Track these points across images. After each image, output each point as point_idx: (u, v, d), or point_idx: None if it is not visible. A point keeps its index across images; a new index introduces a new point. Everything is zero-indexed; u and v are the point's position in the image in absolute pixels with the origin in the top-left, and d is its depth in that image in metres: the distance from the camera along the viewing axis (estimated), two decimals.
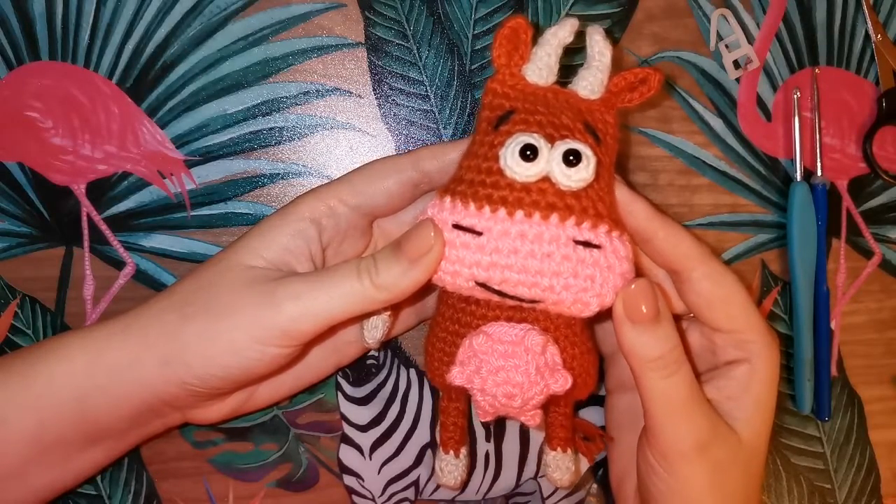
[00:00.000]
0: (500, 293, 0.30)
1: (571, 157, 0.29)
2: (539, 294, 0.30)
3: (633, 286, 0.31)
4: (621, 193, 0.33)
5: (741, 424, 0.34)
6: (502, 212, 0.29)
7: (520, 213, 0.29)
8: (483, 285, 0.30)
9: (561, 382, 0.31)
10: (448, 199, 0.31)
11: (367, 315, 0.36)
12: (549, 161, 0.29)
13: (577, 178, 0.29)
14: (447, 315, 0.33)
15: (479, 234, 0.30)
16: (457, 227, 0.30)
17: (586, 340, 0.34)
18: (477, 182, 0.30)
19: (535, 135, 0.30)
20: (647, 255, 0.35)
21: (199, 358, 0.31)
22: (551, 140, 0.30)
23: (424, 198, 0.37)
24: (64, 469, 0.34)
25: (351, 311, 0.31)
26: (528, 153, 0.29)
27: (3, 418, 0.32)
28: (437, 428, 0.36)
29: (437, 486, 0.44)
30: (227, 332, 0.31)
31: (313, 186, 0.42)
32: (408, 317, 0.41)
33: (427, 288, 0.32)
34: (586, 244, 0.30)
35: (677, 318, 0.38)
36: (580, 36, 0.33)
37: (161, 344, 0.31)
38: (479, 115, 0.33)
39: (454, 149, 0.34)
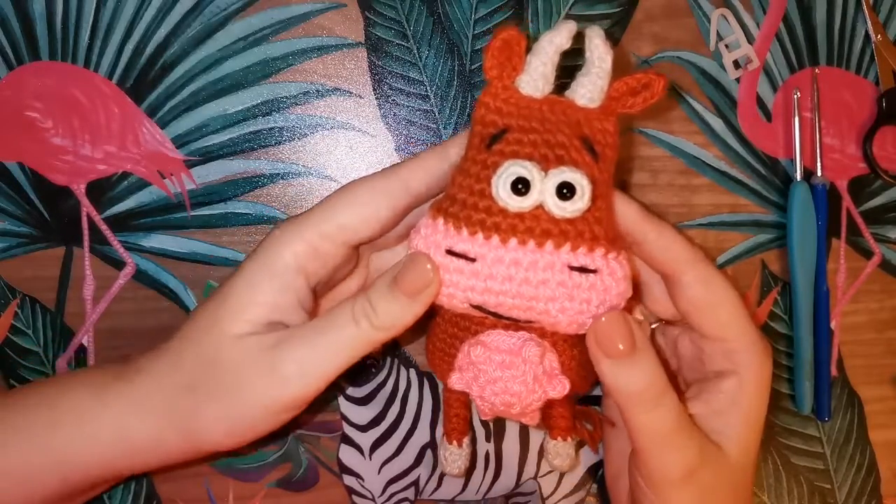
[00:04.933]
0: (495, 314, 0.30)
1: (565, 191, 0.28)
2: (535, 317, 0.30)
3: (603, 319, 0.30)
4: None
5: (728, 441, 0.33)
6: (495, 239, 0.29)
7: (513, 241, 0.29)
8: (478, 308, 0.30)
9: (559, 389, 0.31)
10: (441, 221, 0.30)
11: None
12: (542, 192, 0.28)
13: (572, 209, 0.28)
14: (446, 317, 0.33)
15: (473, 260, 0.29)
16: (450, 252, 0.29)
17: (583, 340, 0.33)
18: (469, 205, 0.29)
19: (527, 164, 0.28)
20: (639, 257, 0.35)
21: (221, 435, 0.32)
22: (546, 166, 0.29)
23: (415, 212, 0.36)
24: (84, 496, 0.36)
25: (354, 358, 0.31)
26: (521, 186, 0.28)
27: (27, 476, 0.32)
28: (440, 423, 0.36)
29: (438, 486, 0.44)
30: (243, 412, 0.31)
31: (313, 187, 0.42)
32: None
33: (427, 313, 0.31)
34: (582, 269, 0.29)
35: (669, 324, 0.38)
36: (578, 36, 0.31)
37: (181, 426, 0.32)
38: (471, 128, 0.31)
39: (440, 160, 0.32)
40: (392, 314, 0.30)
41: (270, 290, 0.31)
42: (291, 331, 0.31)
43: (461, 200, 0.30)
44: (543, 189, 0.28)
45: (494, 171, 0.29)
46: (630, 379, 0.30)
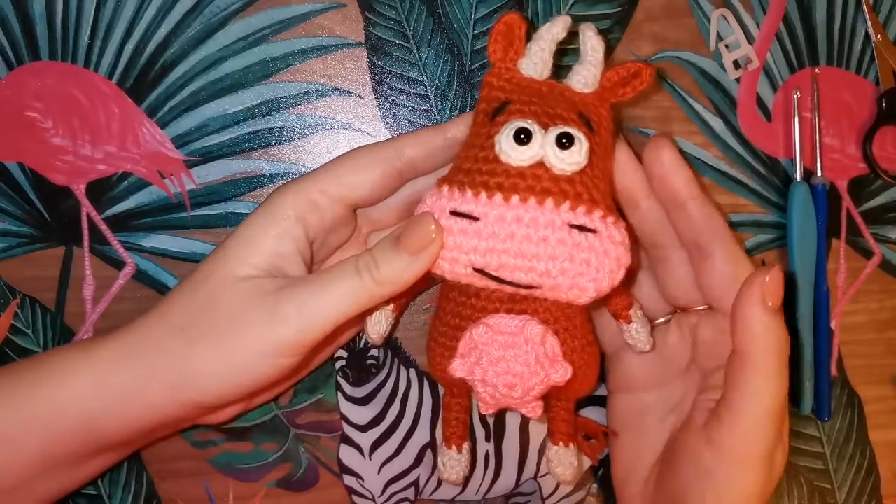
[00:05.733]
0: (497, 279, 0.31)
1: (564, 140, 0.30)
2: (536, 279, 0.30)
3: (768, 276, 0.31)
4: (668, 154, 0.34)
5: None
6: (498, 197, 0.30)
7: (515, 198, 0.30)
8: (481, 271, 0.30)
9: (561, 373, 0.31)
10: (446, 187, 0.31)
11: (371, 310, 0.36)
12: (543, 145, 0.30)
13: (571, 160, 0.30)
14: (448, 309, 0.33)
15: (476, 219, 0.30)
16: (454, 213, 0.30)
17: (587, 334, 0.34)
18: (474, 170, 0.31)
19: (529, 120, 0.30)
20: (674, 225, 0.35)
21: (211, 379, 0.31)
22: (545, 126, 0.30)
23: (409, 184, 0.37)
24: (69, 477, 0.35)
25: (355, 310, 0.31)
26: (523, 136, 0.30)
27: (6, 437, 0.32)
28: (440, 424, 0.36)
29: (438, 486, 0.44)
30: (236, 352, 0.31)
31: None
32: None
33: (428, 279, 0.32)
34: (581, 228, 0.30)
35: (684, 311, 0.38)
36: (574, 37, 0.34)
37: (169, 371, 0.31)
38: (476, 107, 0.33)
39: (436, 134, 0.35)
40: (394, 270, 0.31)
41: (271, 237, 0.33)
42: (294, 278, 0.32)
43: (466, 168, 0.31)
44: (544, 142, 0.30)
45: (498, 134, 0.30)
46: (778, 332, 0.31)
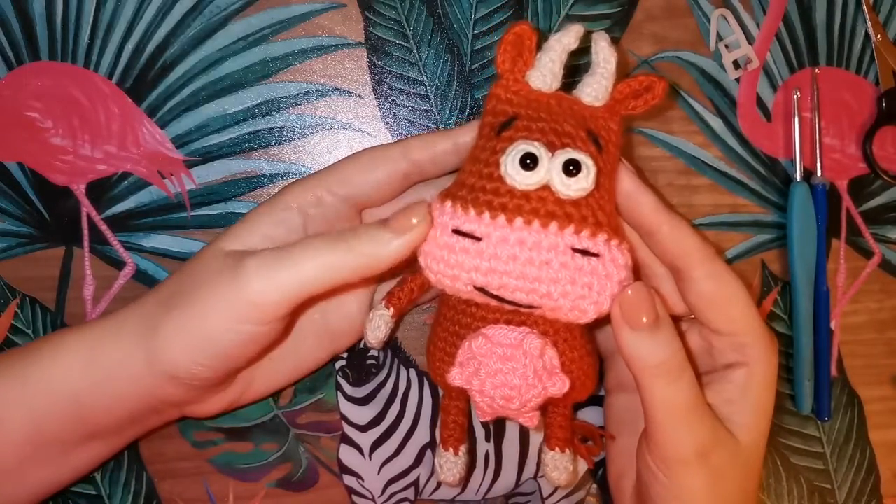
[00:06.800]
0: (498, 298, 0.30)
1: (571, 167, 0.29)
2: (536, 300, 0.30)
3: (629, 292, 0.30)
4: (629, 182, 0.33)
5: (739, 428, 0.34)
6: (502, 218, 0.29)
7: (519, 221, 0.29)
8: (481, 290, 0.30)
9: (559, 386, 0.31)
10: (449, 203, 0.31)
11: (344, 289, 0.35)
12: (549, 170, 0.29)
13: (577, 187, 0.29)
14: (448, 316, 0.33)
15: (479, 239, 0.30)
16: (456, 231, 0.30)
17: (586, 343, 0.34)
18: (478, 188, 0.30)
19: (535, 143, 0.30)
20: (650, 249, 0.35)
21: (178, 350, 0.31)
22: (552, 148, 0.30)
23: (415, 187, 0.37)
24: (61, 465, 0.34)
25: (321, 280, 0.30)
26: (528, 161, 0.29)
27: None
28: (438, 425, 0.36)
29: (437, 486, 0.44)
30: (200, 317, 0.31)
31: None
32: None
33: (429, 288, 0.32)
34: (585, 252, 0.30)
35: (676, 320, 0.38)
36: (584, 38, 0.33)
37: (147, 340, 0.31)
38: (481, 119, 0.33)
39: (444, 138, 0.34)
40: (372, 243, 0.30)
41: (266, 222, 0.33)
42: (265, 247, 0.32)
43: (470, 184, 0.31)
44: (550, 167, 0.29)
45: (503, 153, 0.30)
46: (652, 350, 0.31)
